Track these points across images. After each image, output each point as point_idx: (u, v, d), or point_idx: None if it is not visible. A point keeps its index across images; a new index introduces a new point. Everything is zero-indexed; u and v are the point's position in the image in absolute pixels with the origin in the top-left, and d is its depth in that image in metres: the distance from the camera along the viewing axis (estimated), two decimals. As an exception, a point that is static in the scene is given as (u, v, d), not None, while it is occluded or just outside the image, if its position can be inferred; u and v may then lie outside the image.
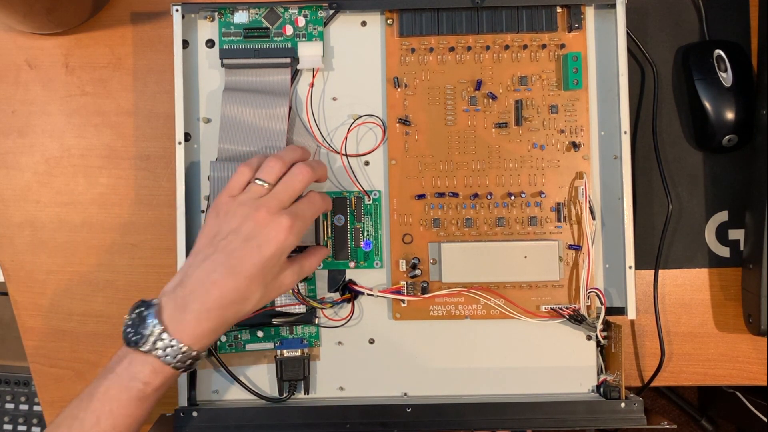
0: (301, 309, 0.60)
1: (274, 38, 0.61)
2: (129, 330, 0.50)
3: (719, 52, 0.63)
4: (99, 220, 0.65)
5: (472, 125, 0.61)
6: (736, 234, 0.64)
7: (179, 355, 0.49)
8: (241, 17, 0.61)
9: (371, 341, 0.61)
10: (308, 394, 0.61)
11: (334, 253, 0.61)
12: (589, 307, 0.59)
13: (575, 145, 0.60)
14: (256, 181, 0.53)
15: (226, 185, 0.54)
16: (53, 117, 0.65)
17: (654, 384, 0.63)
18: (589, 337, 0.61)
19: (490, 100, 0.61)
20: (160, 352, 0.49)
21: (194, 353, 0.50)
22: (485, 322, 0.61)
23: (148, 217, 0.65)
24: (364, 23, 0.62)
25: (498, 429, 0.59)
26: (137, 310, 0.50)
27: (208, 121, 0.62)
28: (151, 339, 0.49)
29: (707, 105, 0.62)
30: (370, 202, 0.61)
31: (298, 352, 0.60)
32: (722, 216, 0.64)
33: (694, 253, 0.64)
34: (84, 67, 0.65)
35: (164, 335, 0.49)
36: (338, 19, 0.62)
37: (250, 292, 0.51)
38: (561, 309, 0.60)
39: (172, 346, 0.49)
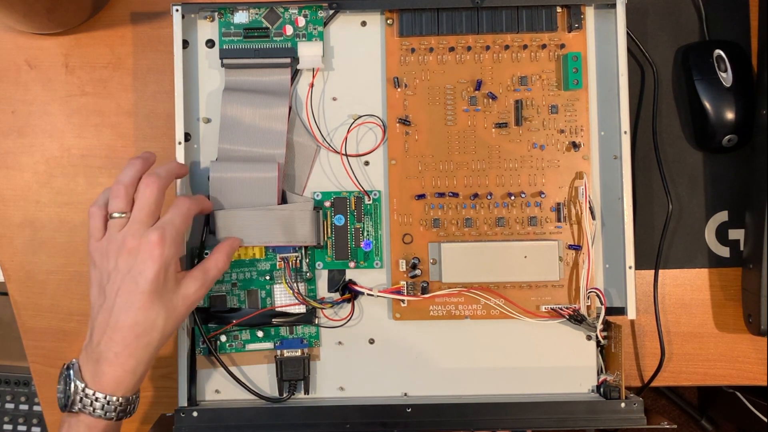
0: (301, 309, 0.60)
1: (274, 38, 0.61)
2: (59, 395, 0.51)
3: (719, 52, 0.63)
4: (99, 220, 0.65)
5: (472, 125, 0.61)
6: (736, 234, 0.64)
7: (107, 406, 0.50)
8: (241, 17, 0.61)
9: (371, 341, 0.61)
10: (308, 394, 0.61)
11: (334, 253, 0.61)
12: (589, 307, 0.59)
13: (575, 145, 0.60)
14: (112, 215, 0.52)
15: (89, 234, 0.53)
16: (53, 117, 0.65)
17: (654, 384, 0.63)
18: (589, 337, 0.61)
19: (490, 100, 0.61)
20: (89, 409, 0.50)
21: (121, 399, 0.50)
22: (485, 322, 0.61)
23: (148, 217, 0.65)
24: (364, 23, 0.62)
25: (498, 429, 0.59)
26: (62, 375, 0.51)
27: (208, 121, 0.62)
28: (78, 398, 0.50)
29: (707, 105, 0.62)
30: (370, 202, 0.61)
31: (298, 352, 0.60)
32: (722, 216, 0.64)
33: (694, 253, 0.64)
34: (84, 67, 0.65)
35: (87, 391, 0.50)
36: (338, 19, 0.62)
37: (151, 319, 0.50)
38: (561, 309, 0.60)
39: (97, 399, 0.50)
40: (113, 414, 0.50)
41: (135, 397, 0.52)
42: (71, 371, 0.51)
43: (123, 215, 0.52)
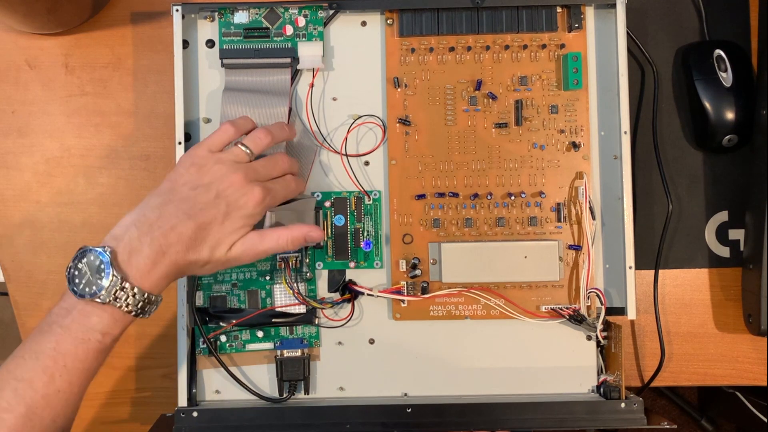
0: (301, 309, 0.60)
1: (274, 38, 0.61)
2: (80, 282, 0.47)
3: (719, 52, 0.63)
4: (99, 220, 0.65)
5: (472, 125, 0.61)
6: (736, 234, 0.64)
7: (141, 302, 0.47)
8: (241, 17, 0.61)
9: (371, 341, 0.61)
10: (308, 394, 0.61)
11: (334, 253, 0.61)
12: (589, 307, 0.59)
13: (575, 145, 0.60)
14: (240, 145, 0.53)
15: (206, 139, 0.53)
16: (53, 117, 0.65)
17: (654, 384, 0.63)
18: (589, 337, 0.61)
19: (490, 100, 0.61)
20: (121, 302, 0.47)
21: (153, 297, 0.48)
22: (485, 322, 0.61)
23: (148, 217, 0.65)
24: (364, 23, 0.62)
25: (498, 429, 0.59)
26: (85, 260, 0.47)
27: (208, 121, 0.62)
28: (112, 290, 0.46)
29: (707, 105, 0.62)
30: (370, 202, 0.61)
31: (298, 352, 0.60)
32: (722, 216, 0.64)
33: (694, 253, 0.64)
34: (84, 67, 0.65)
35: (125, 284, 0.46)
36: (338, 19, 0.62)
37: (203, 247, 0.49)
38: (561, 309, 0.60)
39: (134, 295, 0.47)
40: (141, 311, 0.48)
41: (160, 299, 0.50)
42: (106, 258, 0.46)
43: (249, 152, 0.53)
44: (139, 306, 0.47)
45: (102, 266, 0.46)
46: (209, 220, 0.50)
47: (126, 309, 0.47)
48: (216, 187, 0.51)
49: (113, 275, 0.46)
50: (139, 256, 0.48)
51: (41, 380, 0.46)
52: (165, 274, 0.49)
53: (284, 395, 0.60)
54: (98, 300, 0.46)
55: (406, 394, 0.61)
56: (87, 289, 0.46)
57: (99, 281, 0.46)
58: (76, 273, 0.47)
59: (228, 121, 0.54)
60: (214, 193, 0.50)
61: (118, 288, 0.46)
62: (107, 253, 0.47)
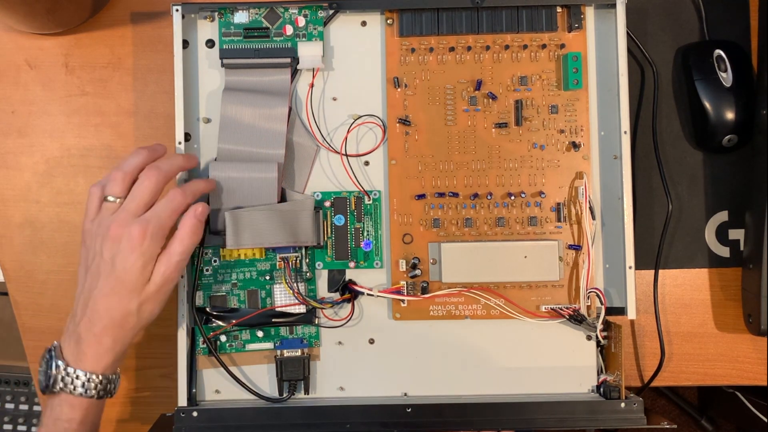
0: (301, 309, 0.60)
1: (274, 38, 0.61)
2: (40, 378, 0.52)
3: (719, 52, 0.63)
4: (99, 220, 0.65)
5: (472, 125, 0.61)
6: (736, 234, 0.64)
7: (87, 384, 0.51)
8: (241, 17, 0.61)
9: (371, 341, 0.61)
10: (308, 394, 0.61)
11: (334, 253, 0.61)
12: (589, 307, 0.59)
13: (575, 145, 0.60)
14: (107, 198, 0.53)
15: (86, 212, 0.55)
16: (53, 117, 0.65)
17: (654, 384, 0.63)
18: (589, 337, 0.61)
19: (490, 100, 0.61)
20: (70, 387, 0.51)
21: (101, 377, 0.52)
22: (485, 322, 0.61)
23: (148, 217, 0.65)
24: (364, 23, 0.62)
25: (498, 429, 0.59)
26: (44, 358, 0.53)
27: (208, 121, 0.62)
28: (59, 378, 0.51)
29: (707, 105, 0.62)
30: (370, 202, 0.61)
31: (298, 352, 0.60)
32: (722, 216, 0.64)
33: (694, 253, 0.64)
34: (84, 67, 0.65)
35: (68, 369, 0.51)
36: (338, 19, 0.62)
37: (125, 307, 0.52)
38: (561, 309, 0.60)
39: (77, 377, 0.51)
40: (93, 392, 0.52)
41: (115, 377, 0.54)
42: (52, 352, 0.52)
43: (117, 200, 0.53)
44: (87, 387, 0.51)
45: (49, 360, 0.52)
46: (113, 283, 0.51)
47: (77, 393, 0.51)
48: (104, 250, 0.52)
49: (57, 366, 0.51)
50: (79, 344, 0.52)
51: None
52: (106, 350, 0.52)
53: (284, 395, 0.60)
54: (54, 391, 0.51)
55: (406, 394, 0.61)
56: (44, 384, 0.52)
57: (50, 373, 0.52)
58: (40, 369, 0.53)
59: (92, 185, 0.54)
60: (105, 256, 0.52)
61: (63, 375, 0.51)
62: (53, 347, 0.53)
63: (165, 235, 0.53)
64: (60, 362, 0.52)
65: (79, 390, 0.51)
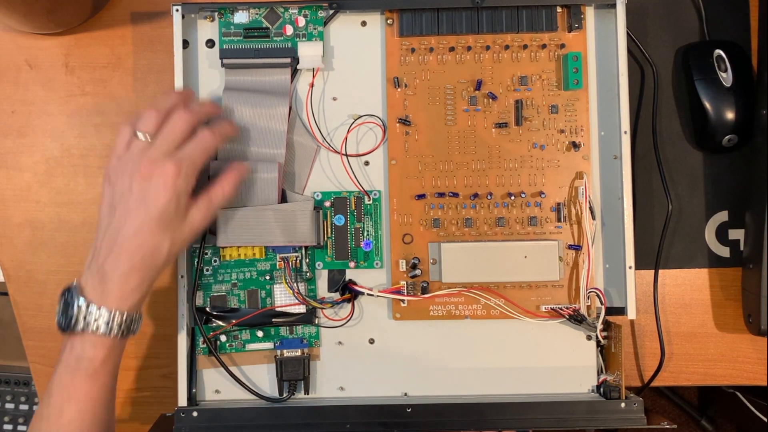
0: (301, 309, 0.60)
1: (274, 38, 0.61)
2: (59, 318, 0.51)
3: (719, 52, 0.63)
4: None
5: (472, 125, 0.61)
6: (736, 234, 0.64)
7: (111, 322, 0.50)
8: (241, 17, 0.61)
9: (371, 341, 0.61)
10: (308, 394, 0.61)
11: (334, 253, 0.61)
12: (589, 307, 0.59)
13: (575, 145, 0.60)
14: (136, 134, 0.52)
15: (112, 150, 0.54)
16: (53, 117, 0.65)
17: (654, 384, 0.63)
18: (589, 337, 0.61)
19: (490, 100, 0.61)
20: (92, 326, 0.50)
21: (125, 315, 0.51)
22: (485, 322, 0.61)
23: (148, 217, 0.65)
24: (364, 23, 0.62)
25: (498, 429, 0.59)
26: (62, 297, 0.51)
27: (207, 121, 0.62)
28: (81, 317, 0.50)
29: (707, 105, 0.62)
30: (370, 202, 0.61)
31: (298, 352, 0.60)
32: (722, 216, 0.64)
33: (694, 253, 0.64)
34: (84, 67, 0.65)
35: (91, 308, 0.50)
36: (338, 19, 0.62)
37: (157, 243, 0.51)
38: (561, 309, 0.60)
39: (102, 316, 0.50)
40: (117, 331, 0.50)
41: (138, 316, 0.52)
42: (73, 291, 0.51)
43: (147, 138, 0.52)
44: (111, 326, 0.50)
45: (70, 299, 0.50)
46: (144, 220, 0.50)
47: (100, 332, 0.50)
48: (134, 187, 0.51)
49: (79, 304, 0.50)
50: (103, 282, 0.50)
51: (54, 415, 0.51)
52: (133, 289, 0.51)
53: (284, 395, 0.60)
54: (76, 330, 0.50)
55: (406, 394, 0.61)
56: (64, 324, 0.50)
57: (70, 313, 0.50)
58: (58, 311, 0.51)
59: (123, 123, 0.54)
60: (135, 193, 0.51)
61: (86, 314, 0.50)
62: (73, 286, 0.51)
63: (196, 175, 0.52)
64: (82, 300, 0.50)
65: (103, 329, 0.50)
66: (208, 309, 0.60)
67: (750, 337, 0.64)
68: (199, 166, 0.53)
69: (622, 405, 0.57)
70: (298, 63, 0.61)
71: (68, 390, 0.51)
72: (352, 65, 0.62)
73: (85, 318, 0.50)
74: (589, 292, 0.59)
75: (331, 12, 0.61)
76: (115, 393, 0.54)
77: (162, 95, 0.54)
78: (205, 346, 0.60)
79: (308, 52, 0.61)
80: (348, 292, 0.60)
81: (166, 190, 0.50)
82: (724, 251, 0.64)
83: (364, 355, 0.61)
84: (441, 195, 0.60)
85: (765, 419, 1.00)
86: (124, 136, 0.53)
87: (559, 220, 0.60)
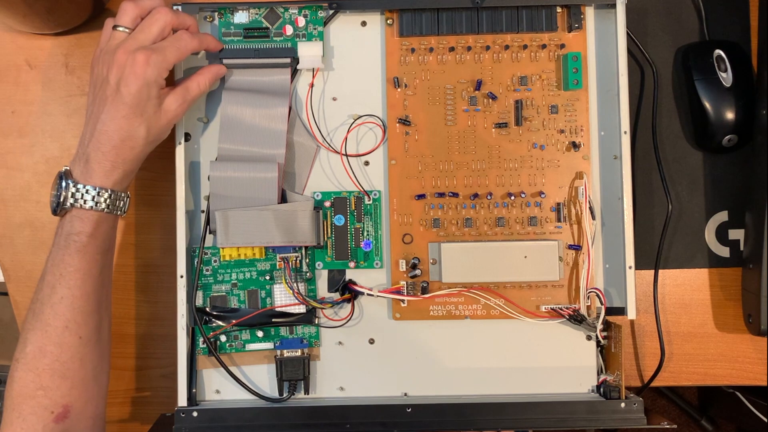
0: (301, 309, 0.60)
1: (274, 38, 0.61)
2: (52, 201, 0.54)
3: (719, 52, 0.63)
4: (99, 220, 0.65)
5: (472, 125, 0.61)
6: (736, 234, 0.64)
7: (97, 197, 0.53)
8: (241, 17, 0.61)
9: (371, 341, 0.61)
10: (308, 394, 0.61)
11: (334, 253, 0.61)
12: (589, 307, 0.59)
13: (575, 145, 0.60)
14: (116, 27, 0.55)
15: (98, 43, 0.57)
16: (53, 117, 0.65)
17: (654, 384, 0.63)
18: (589, 337, 0.61)
19: (490, 100, 0.61)
20: (80, 202, 0.53)
21: (110, 191, 0.54)
22: (485, 322, 0.61)
23: (148, 217, 0.65)
24: (364, 23, 0.62)
25: (498, 429, 0.59)
26: (54, 183, 0.54)
27: (207, 121, 0.62)
28: (69, 195, 0.53)
29: (707, 105, 0.62)
30: (370, 202, 0.61)
31: (298, 352, 0.60)
32: (722, 216, 0.64)
33: (694, 253, 0.64)
34: (84, 67, 0.65)
35: (78, 186, 0.53)
36: (338, 19, 0.62)
37: (133, 127, 0.53)
38: (561, 309, 0.60)
39: (87, 191, 0.53)
40: (103, 205, 0.54)
41: (124, 194, 0.55)
42: (62, 175, 0.54)
43: (125, 30, 0.55)
44: (97, 201, 0.53)
45: (59, 183, 0.53)
46: (118, 105, 0.53)
47: (88, 206, 0.53)
48: (109, 75, 0.53)
49: (67, 185, 0.53)
50: (88, 163, 0.54)
51: (46, 293, 0.54)
52: (113, 166, 0.54)
53: (284, 395, 0.60)
54: (65, 208, 0.53)
55: (406, 394, 0.61)
56: (56, 205, 0.53)
57: (60, 194, 0.53)
58: (51, 194, 0.54)
59: (109, 18, 0.57)
60: (110, 80, 0.53)
61: (74, 193, 0.53)
62: (62, 171, 0.54)
63: (167, 68, 0.54)
64: (70, 181, 0.53)
65: (90, 203, 0.53)
66: (208, 309, 0.60)
67: (750, 337, 0.64)
68: (171, 61, 0.54)
69: (622, 405, 0.57)
70: (298, 63, 0.61)
71: (59, 267, 0.53)
72: (352, 65, 0.62)
73: (72, 196, 0.53)
74: (589, 292, 0.59)
75: (331, 12, 0.61)
76: (110, 271, 0.57)
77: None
78: (205, 346, 0.60)
79: (308, 52, 0.61)
80: (348, 292, 0.60)
81: (135, 78, 0.52)
82: (724, 251, 0.64)
83: (364, 355, 0.61)
84: (441, 195, 0.60)
85: (765, 419, 1.00)
86: (106, 29, 0.56)
87: (559, 220, 0.60)
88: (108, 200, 0.54)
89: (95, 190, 0.53)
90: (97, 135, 0.53)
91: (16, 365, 0.53)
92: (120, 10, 0.55)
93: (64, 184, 0.53)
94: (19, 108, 0.65)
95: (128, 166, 0.54)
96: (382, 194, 0.61)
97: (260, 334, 0.61)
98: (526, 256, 0.59)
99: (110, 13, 0.65)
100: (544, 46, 0.61)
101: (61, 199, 0.53)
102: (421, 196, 0.61)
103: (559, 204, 0.60)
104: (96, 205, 0.53)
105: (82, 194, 0.53)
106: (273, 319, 0.60)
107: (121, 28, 0.55)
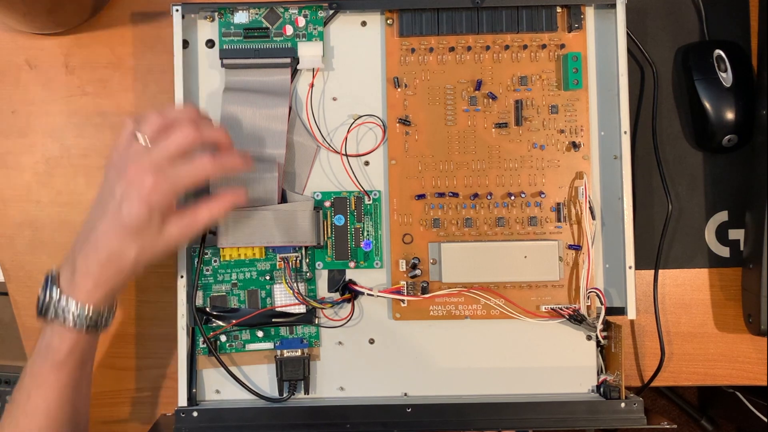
0: (301, 309, 0.60)
1: (274, 38, 0.61)
2: (38, 303, 0.52)
3: (719, 52, 0.63)
4: (99, 220, 0.65)
5: (472, 125, 0.61)
6: (736, 234, 0.64)
7: (78, 316, 0.51)
8: (241, 17, 0.61)
9: (371, 341, 0.61)
10: (308, 394, 0.61)
11: (334, 253, 0.61)
12: (589, 307, 0.59)
13: (575, 145, 0.60)
14: (136, 135, 0.51)
15: (114, 142, 0.53)
16: (53, 117, 0.65)
17: (654, 384, 0.63)
18: (589, 337, 0.61)
19: (490, 100, 0.61)
20: (62, 316, 0.51)
21: (92, 309, 0.51)
22: (485, 322, 0.61)
23: (148, 217, 0.65)
24: (364, 23, 0.62)
25: (498, 429, 0.59)
26: (43, 283, 0.52)
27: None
28: (53, 305, 0.51)
29: (707, 105, 0.62)
30: (370, 202, 0.61)
31: (298, 352, 0.60)
32: (722, 216, 0.64)
33: (694, 253, 0.64)
34: (84, 67, 0.65)
35: (62, 298, 0.51)
36: (338, 19, 0.62)
37: (123, 249, 0.51)
38: (561, 309, 0.60)
39: (71, 307, 0.51)
40: (83, 324, 0.51)
41: (107, 312, 0.53)
42: (49, 279, 0.52)
43: (146, 142, 0.51)
44: (76, 319, 0.51)
45: (47, 286, 0.52)
46: (114, 224, 0.50)
47: (67, 323, 0.51)
48: (116, 187, 0.51)
49: (53, 292, 0.51)
50: (74, 273, 0.51)
51: (22, 399, 0.53)
52: (96, 285, 0.51)
53: (284, 395, 0.60)
54: (48, 318, 0.51)
55: (406, 394, 0.61)
56: (40, 310, 0.52)
57: (46, 300, 0.51)
58: (39, 297, 0.52)
59: (130, 117, 0.53)
60: (116, 194, 0.50)
61: (57, 303, 0.51)
62: (52, 273, 0.52)
63: (177, 195, 0.51)
64: (55, 289, 0.51)
65: (70, 321, 0.51)
66: (208, 309, 0.60)
67: (750, 337, 0.64)
68: (183, 188, 0.51)
69: (622, 405, 0.57)
70: (298, 63, 0.61)
71: (37, 377, 0.52)
72: (352, 65, 0.62)
73: (55, 307, 0.51)
74: (589, 292, 0.59)
75: (331, 12, 0.61)
76: (89, 383, 0.56)
77: (175, 105, 0.54)
78: (205, 346, 0.60)
79: (308, 52, 0.61)
80: (348, 292, 0.60)
81: (140, 201, 0.49)
82: (724, 251, 0.64)
83: (364, 355, 0.61)
84: (441, 195, 0.60)
85: (765, 419, 1.00)
86: (126, 130, 0.52)
87: (559, 220, 0.60)
88: (89, 319, 0.51)
89: (77, 307, 0.51)
90: (87, 245, 0.51)
91: None
92: (144, 119, 0.52)
93: (50, 291, 0.51)
94: (19, 108, 0.65)
95: (112, 285, 0.52)
96: (382, 194, 0.61)
97: (260, 334, 0.61)
98: (526, 256, 0.59)
99: (110, 13, 0.65)
100: (544, 46, 0.61)
101: (45, 307, 0.51)
102: (421, 196, 0.61)
103: (559, 204, 0.60)
104: (76, 325, 0.51)
105: (64, 308, 0.51)
106: (273, 319, 0.60)
107: (140, 138, 0.51)
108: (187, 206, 0.53)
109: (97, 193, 0.53)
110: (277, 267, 0.60)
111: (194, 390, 0.60)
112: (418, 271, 0.60)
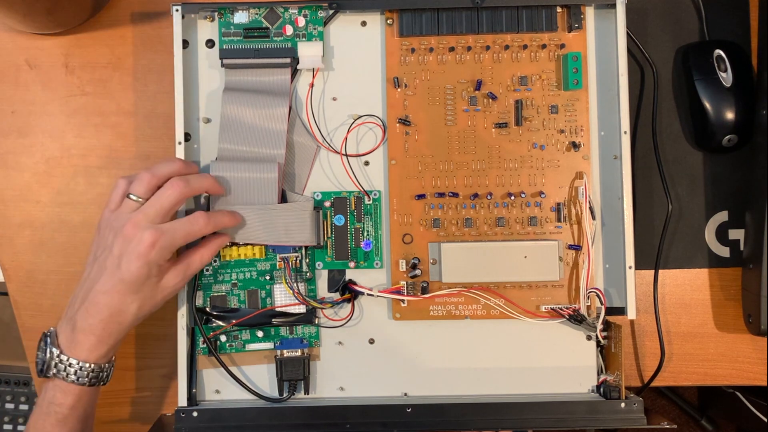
0: (301, 309, 0.60)
1: (274, 38, 0.61)
2: (37, 362, 0.54)
3: (719, 52, 0.63)
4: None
5: (472, 125, 0.61)
6: (736, 234, 0.64)
7: (79, 372, 0.53)
8: (241, 17, 0.61)
9: (371, 341, 0.61)
10: (308, 394, 0.61)
11: (334, 253, 0.61)
12: (589, 307, 0.59)
13: (575, 145, 0.60)
14: (129, 195, 0.54)
15: (108, 200, 0.56)
16: (53, 117, 0.65)
17: (654, 384, 0.63)
18: (589, 337, 0.61)
19: (490, 100, 0.61)
20: (63, 374, 0.53)
21: (93, 366, 0.53)
22: (485, 322, 0.61)
23: (148, 217, 0.65)
24: (364, 23, 0.62)
25: (498, 429, 0.59)
26: (41, 343, 0.54)
27: (208, 121, 0.62)
28: (53, 363, 0.53)
29: (707, 105, 0.62)
30: (370, 202, 0.61)
31: (298, 352, 0.60)
32: (722, 216, 0.64)
33: (694, 253, 0.64)
34: (84, 67, 0.65)
35: (62, 357, 0.53)
36: (338, 19, 0.62)
37: (125, 304, 0.53)
38: (561, 309, 0.60)
39: (71, 365, 0.53)
40: (86, 379, 0.53)
41: (108, 366, 0.55)
42: (48, 339, 0.53)
43: (138, 200, 0.54)
44: (78, 375, 0.53)
45: (45, 345, 0.53)
46: (114, 280, 0.52)
47: (68, 379, 0.53)
48: (114, 245, 0.53)
49: (51, 351, 0.53)
50: (74, 331, 0.53)
51: None
52: (98, 342, 0.53)
53: (284, 395, 0.60)
54: (48, 376, 0.53)
55: (406, 394, 0.61)
56: (40, 368, 0.53)
57: (45, 358, 0.53)
58: (37, 354, 0.54)
59: (121, 177, 0.56)
60: (113, 252, 0.53)
61: (57, 361, 0.53)
62: (51, 333, 0.54)
63: (173, 250, 0.54)
64: (54, 349, 0.53)
65: (72, 377, 0.53)
66: (208, 309, 0.60)
67: (750, 337, 0.64)
68: (178, 245, 0.54)
69: (622, 405, 0.57)
70: (298, 63, 0.61)
71: None
72: (352, 65, 0.62)
73: (56, 365, 0.53)
74: (589, 292, 0.59)
75: (331, 12, 0.61)
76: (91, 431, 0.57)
77: (163, 161, 0.56)
78: (205, 346, 0.60)
79: (308, 52, 0.61)
80: (348, 292, 0.60)
81: (138, 258, 0.51)
82: (724, 251, 0.64)
83: (364, 355, 0.61)
84: (441, 195, 0.60)
85: (765, 419, 1.00)
86: (118, 190, 0.55)
87: (559, 220, 0.60)
88: (91, 374, 0.53)
89: (78, 364, 0.53)
90: (87, 304, 0.53)
91: None
92: (136, 179, 0.54)
93: (48, 350, 0.53)
94: (19, 108, 0.65)
95: (114, 340, 0.54)
96: (382, 194, 0.61)
97: (260, 334, 0.61)
98: (526, 256, 0.59)
99: (110, 13, 0.65)
100: (544, 46, 0.61)
101: (45, 366, 0.53)
102: (421, 196, 0.61)
103: (559, 204, 0.60)
104: (78, 380, 0.53)
105: (65, 366, 0.53)
106: (273, 319, 0.60)
107: (133, 197, 0.54)
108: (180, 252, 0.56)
109: (91, 251, 0.55)
110: (277, 267, 0.60)
111: (194, 390, 0.60)
112: (418, 271, 0.60)
